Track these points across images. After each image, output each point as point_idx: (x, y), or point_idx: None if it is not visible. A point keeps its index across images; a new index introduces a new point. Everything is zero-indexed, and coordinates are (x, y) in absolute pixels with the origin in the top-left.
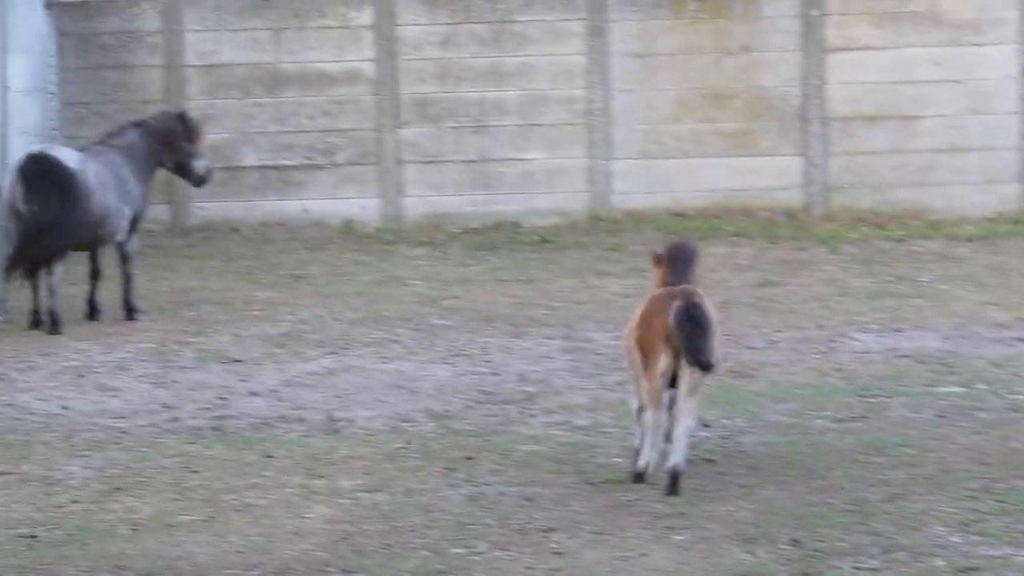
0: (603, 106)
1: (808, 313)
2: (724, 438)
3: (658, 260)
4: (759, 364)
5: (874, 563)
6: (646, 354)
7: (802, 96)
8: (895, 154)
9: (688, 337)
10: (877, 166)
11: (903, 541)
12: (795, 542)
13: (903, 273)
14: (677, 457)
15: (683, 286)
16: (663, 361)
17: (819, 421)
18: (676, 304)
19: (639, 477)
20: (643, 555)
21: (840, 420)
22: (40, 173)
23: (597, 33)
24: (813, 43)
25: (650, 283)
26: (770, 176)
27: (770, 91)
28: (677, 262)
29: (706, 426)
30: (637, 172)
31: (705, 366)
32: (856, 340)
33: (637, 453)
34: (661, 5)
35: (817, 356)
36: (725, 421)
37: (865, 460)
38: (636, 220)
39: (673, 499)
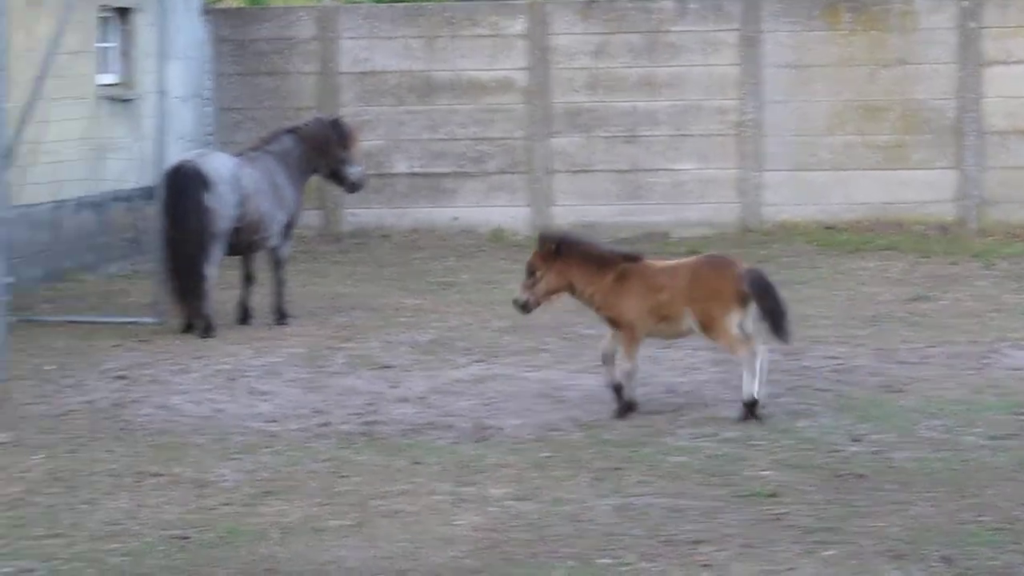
0: (755, 117)
1: (961, 328)
2: (875, 453)
3: (556, 251)
4: (911, 379)
5: None
6: (707, 313)
7: (957, 109)
8: None
9: (770, 299)
10: None
11: None
12: (946, 559)
13: None
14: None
15: (707, 255)
16: (735, 316)
17: (971, 438)
18: (750, 272)
19: (748, 405)
20: (791, 569)
21: (993, 437)
22: (180, 184)
23: (750, 44)
24: (970, 56)
25: (554, 276)
26: (923, 190)
27: (925, 104)
28: (578, 245)
29: (856, 441)
30: (789, 184)
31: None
32: (1010, 356)
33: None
34: (816, 16)
35: (970, 372)
36: (876, 436)
37: (1018, 478)
38: (787, 232)
39: (823, 513)
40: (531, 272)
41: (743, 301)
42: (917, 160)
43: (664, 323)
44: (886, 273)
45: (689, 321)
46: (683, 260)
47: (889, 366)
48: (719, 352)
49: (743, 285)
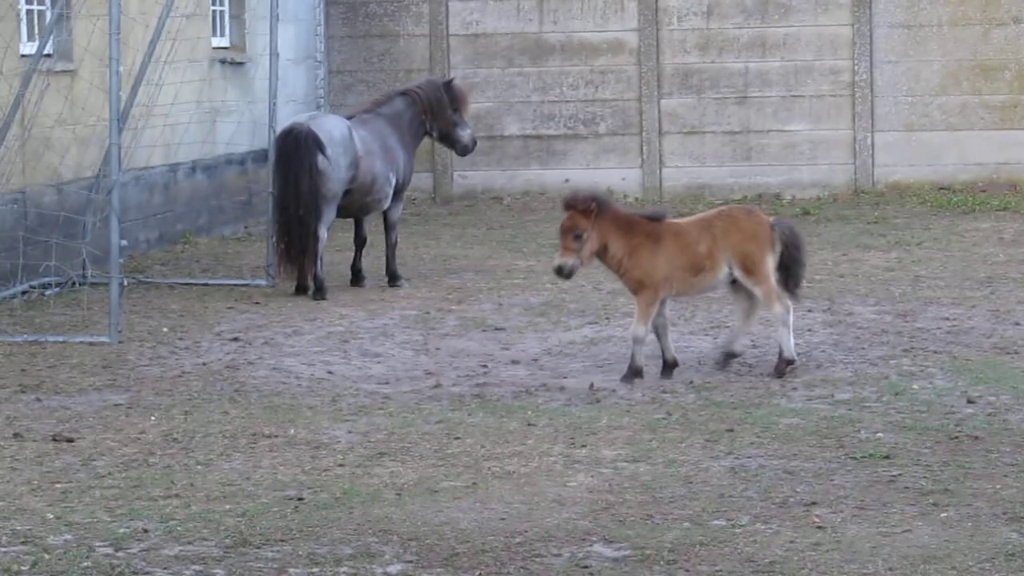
0: (867, 77)
1: None
2: (990, 415)
3: (596, 209)
4: None
5: None
6: (748, 256)
7: None
8: None
9: (797, 250)
10: None
11: None
12: None
13: None
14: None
15: (730, 205)
16: (771, 260)
17: None
18: (779, 221)
19: (790, 363)
20: (907, 531)
21: None
22: (293, 146)
23: (862, 3)
24: None
25: (596, 237)
26: None
27: None
28: (610, 206)
29: (971, 403)
30: (901, 145)
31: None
32: None
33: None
34: None
35: None
36: (991, 398)
37: None
38: (900, 193)
39: (938, 476)
40: (576, 235)
41: (774, 247)
42: None
43: (702, 276)
44: (1000, 234)
45: (726, 270)
46: (706, 213)
47: (1004, 327)
48: (832, 314)
49: (775, 231)
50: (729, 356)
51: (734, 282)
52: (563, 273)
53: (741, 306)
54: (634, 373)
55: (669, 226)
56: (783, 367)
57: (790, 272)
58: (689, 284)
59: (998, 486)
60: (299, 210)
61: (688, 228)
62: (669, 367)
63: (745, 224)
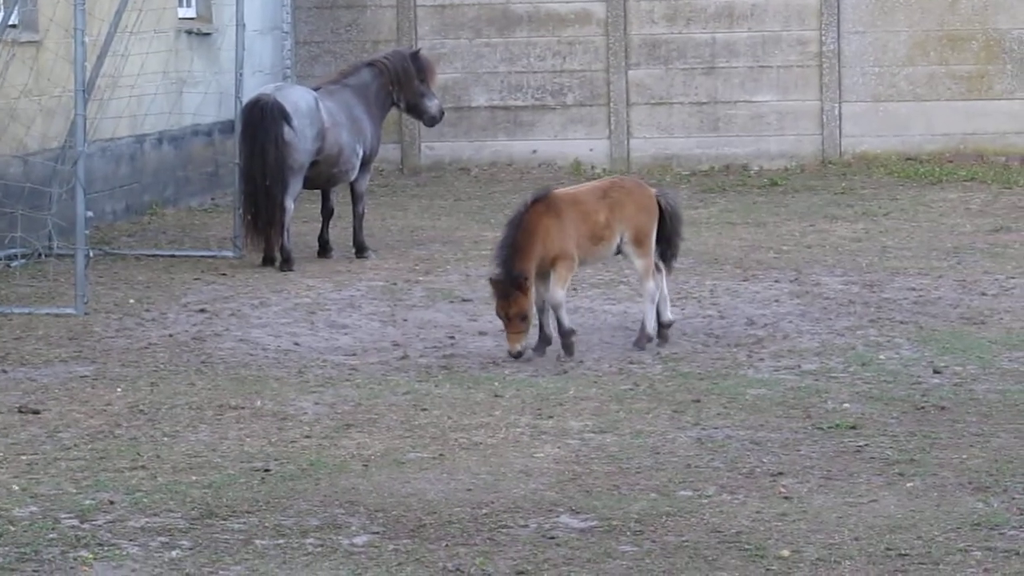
0: (835, 48)
1: None
2: (956, 385)
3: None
4: (992, 311)
5: None
6: (640, 228)
7: None
8: None
9: (678, 221)
10: None
11: None
12: None
13: None
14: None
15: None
16: (654, 237)
17: None
18: (663, 192)
19: (650, 339)
20: (873, 501)
21: None
22: (259, 117)
23: None
24: None
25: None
26: (1005, 120)
27: (1007, 33)
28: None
29: (938, 373)
30: (869, 115)
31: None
32: None
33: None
34: None
35: None
36: (957, 368)
37: None
38: (867, 164)
39: (904, 446)
40: (523, 316)
41: (657, 219)
42: (999, 90)
43: (601, 245)
44: (967, 204)
45: (619, 240)
46: (597, 182)
47: (970, 298)
48: (799, 284)
49: (660, 203)
50: (662, 326)
51: (617, 253)
52: (522, 357)
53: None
54: (569, 334)
55: (565, 197)
56: (643, 342)
57: (670, 243)
58: (589, 252)
59: (964, 456)
60: (265, 181)
61: (585, 198)
62: (546, 343)
63: (638, 195)
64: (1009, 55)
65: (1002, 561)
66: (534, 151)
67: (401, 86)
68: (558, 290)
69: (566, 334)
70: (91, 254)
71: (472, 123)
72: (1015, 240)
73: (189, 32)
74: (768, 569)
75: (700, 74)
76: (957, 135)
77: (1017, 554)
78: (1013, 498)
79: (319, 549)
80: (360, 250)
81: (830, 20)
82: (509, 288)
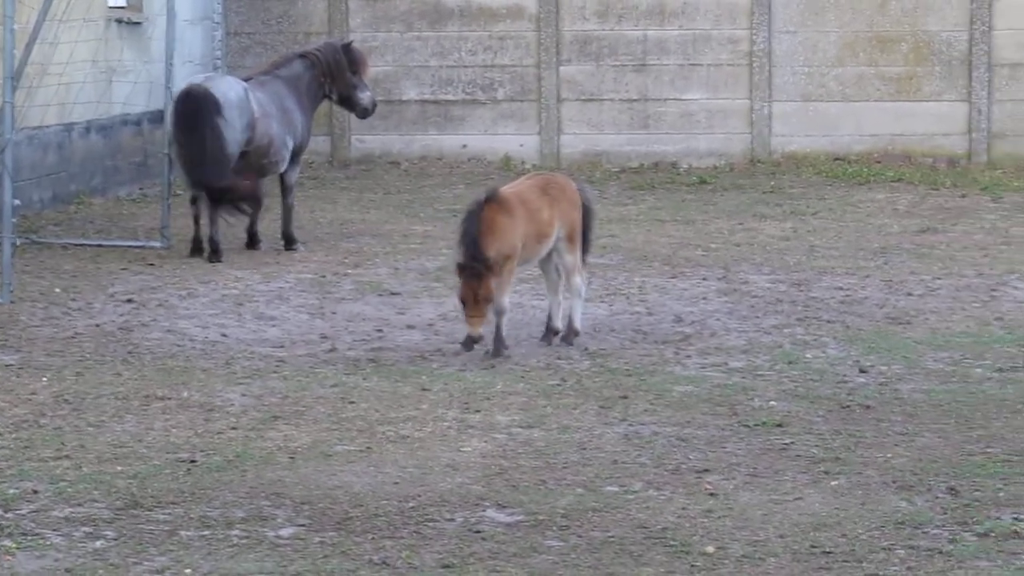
0: (766, 47)
1: (968, 261)
2: (882, 385)
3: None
4: (918, 311)
5: None
6: (574, 225)
7: (968, 41)
8: None
9: (593, 219)
10: None
11: None
12: (952, 491)
13: None
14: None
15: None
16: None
17: (978, 370)
18: (581, 187)
19: (577, 334)
20: (798, 499)
21: (1000, 369)
22: (192, 107)
23: None
24: None
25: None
26: (933, 122)
27: (936, 35)
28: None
29: (863, 372)
30: (798, 115)
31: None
32: (1017, 289)
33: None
34: None
35: (977, 304)
36: (883, 368)
37: None
38: (796, 163)
39: (829, 444)
40: (487, 299)
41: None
42: (927, 92)
43: (543, 242)
44: (895, 205)
45: (555, 238)
46: (532, 178)
47: (897, 298)
48: (727, 282)
49: (582, 198)
50: (552, 333)
51: None
52: (479, 342)
53: (550, 278)
54: (503, 344)
55: (513, 196)
56: (572, 337)
57: (585, 239)
58: (534, 252)
59: (888, 455)
60: (203, 168)
61: (529, 195)
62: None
63: (569, 192)
64: (938, 57)
65: (925, 560)
66: (464, 145)
67: (333, 78)
68: (503, 298)
69: (502, 340)
70: (17, 242)
71: (403, 117)
72: (941, 241)
73: (119, 21)
74: (693, 565)
75: (631, 71)
76: (885, 136)
77: (940, 552)
78: (936, 497)
79: (244, 541)
80: (289, 242)
81: (761, 19)
82: (477, 270)
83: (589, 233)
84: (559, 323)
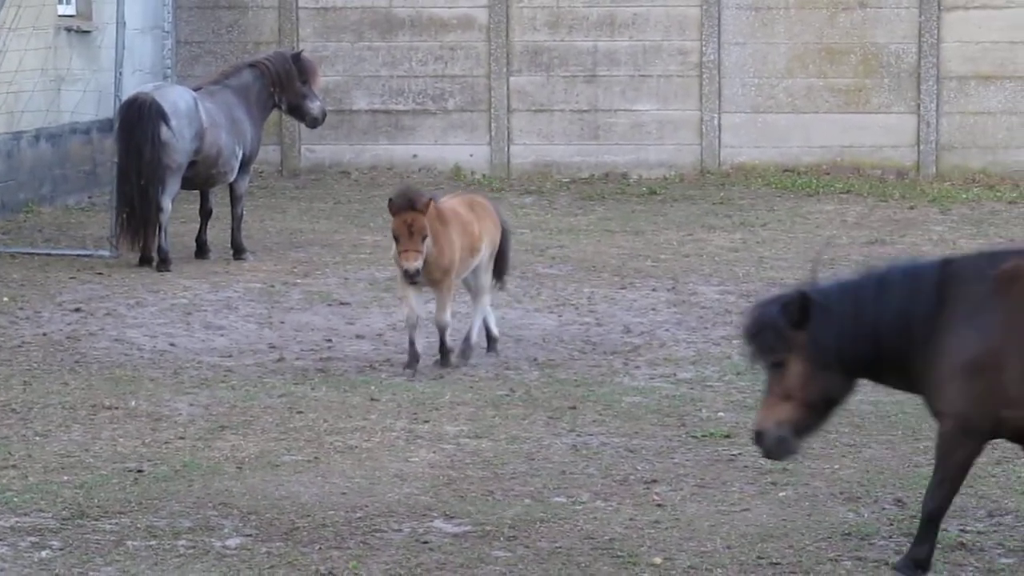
0: (715, 59)
1: None
2: None
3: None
4: None
5: (980, 526)
6: (494, 244)
7: (917, 54)
8: (1010, 115)
9: (510, 238)
10: (990, 126)
11: (1009, 505)
12: (899, 502)
13: (1014, 235)
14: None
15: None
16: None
17: None
18: (498, 208)
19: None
20: (745, 510)
21: None
22: (136, 116)
23: None
24: (930, 0)
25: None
26: (882, 134)
27: (884, 48)
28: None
29: None
30: (748, 126)
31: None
32: None
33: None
34: None
35: None
36: None
37: None
38: (745, 174)
39: None
40: (424, 236)
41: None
42: (876, 104)
43: (474, 257)
44: (843, 216)
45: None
46: (457, 196)
47: None
48: (676, 293)
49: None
50: (492, 340)
51: None
52: (417, 277)
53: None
54: (449, 354)
55: (450, 206)
56: (470, 352)
57: (504, 258)
58: (465, 267)
59: (836, 466)
60: (141, 180)
61: (461, 209)
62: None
63: (491, 210)
64: (887, 69)
65: (871, 571)
66: (415, 155)
67: (283, 87)
68: (445, 314)
69: (447, 351)
70: None
71: (353, 126)
72: (890, 253)
73: (68, 29)
74: None
75: (581, 82)
76: (835, 148)
77: (887, 564)
78: (883, 508)
79: (191, 551)
80: (238, 251)
81: (711, 31)
82: (409, 202)
83: (508, 253)
84: (496, 329)
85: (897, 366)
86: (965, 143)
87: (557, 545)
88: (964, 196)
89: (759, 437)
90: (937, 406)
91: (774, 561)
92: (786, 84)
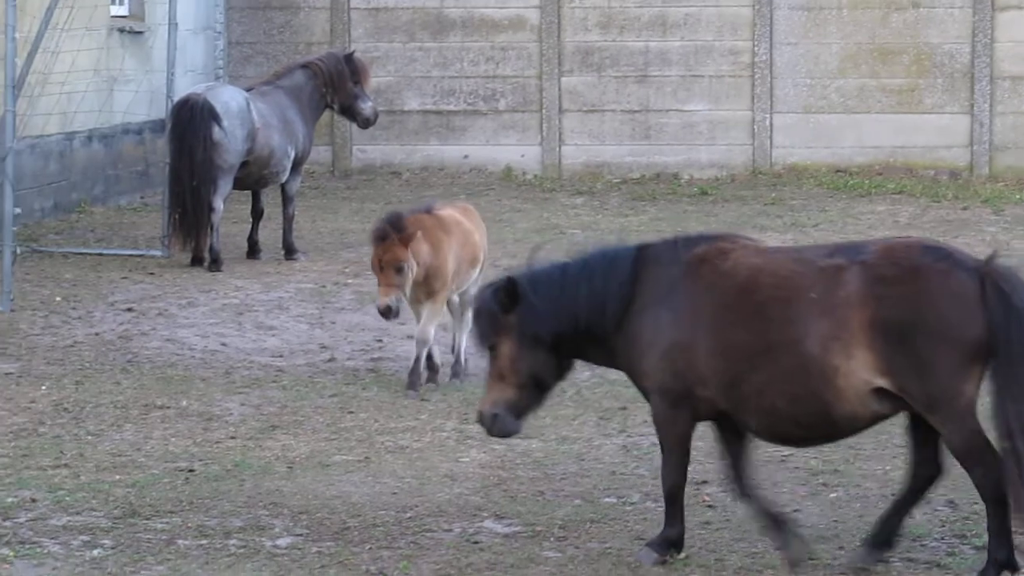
0: (767, 59)
1: None
2: None
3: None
4: None
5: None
6: (485, 257)
7: (970, 53)
8: None
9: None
10: None
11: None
12: (951, 503)
13: None
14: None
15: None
16: None
17: None
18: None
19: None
20: (796, 510)
21: None
22: (188, 117)
23: None
24: (983, 0)
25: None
26: (935, 134)
27: (938, 48)
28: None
29: None
30: (800, 127)
31: None
32: None
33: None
34: None
35: None
36: None
37: None
38: (797, 175)
39: (828, 456)
40: (397, 268)
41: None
42: (929, 104)
43: (474, 270)
44: (896, 217)
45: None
46: (452, 206)
47: None
48: None
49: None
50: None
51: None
52: (391, 314)
53: (453, 308)
54: (418, 374)
55: (450, 217)
56: (462, 372)
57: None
58: (466, 278)
59: (887, 467)
60: (192, 181)
61: (462, 218)
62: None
63: (480, 223)
64: (940, 69)
65: (923, 572)
66: (466, 156)
67: (335, 88)
68: (430, 328)
69: (417, 373)
70: (18, 251)
71: (404, 127)
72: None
73: (121, 30)
74: None
75: (633, 82)
76: (887, 148)
77: (938, 566)
78: (935, 510)
79: (242, 550)
80: (289, 252)
81: (763, 31)
82: (389, 232)
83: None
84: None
85: (599, 345)
86: (1019, 143)
87: (607, 546)
88: (1018, 197)
89: (480, 418)
90: (641, 384)
91: (825, 562)
92: (838, 84)
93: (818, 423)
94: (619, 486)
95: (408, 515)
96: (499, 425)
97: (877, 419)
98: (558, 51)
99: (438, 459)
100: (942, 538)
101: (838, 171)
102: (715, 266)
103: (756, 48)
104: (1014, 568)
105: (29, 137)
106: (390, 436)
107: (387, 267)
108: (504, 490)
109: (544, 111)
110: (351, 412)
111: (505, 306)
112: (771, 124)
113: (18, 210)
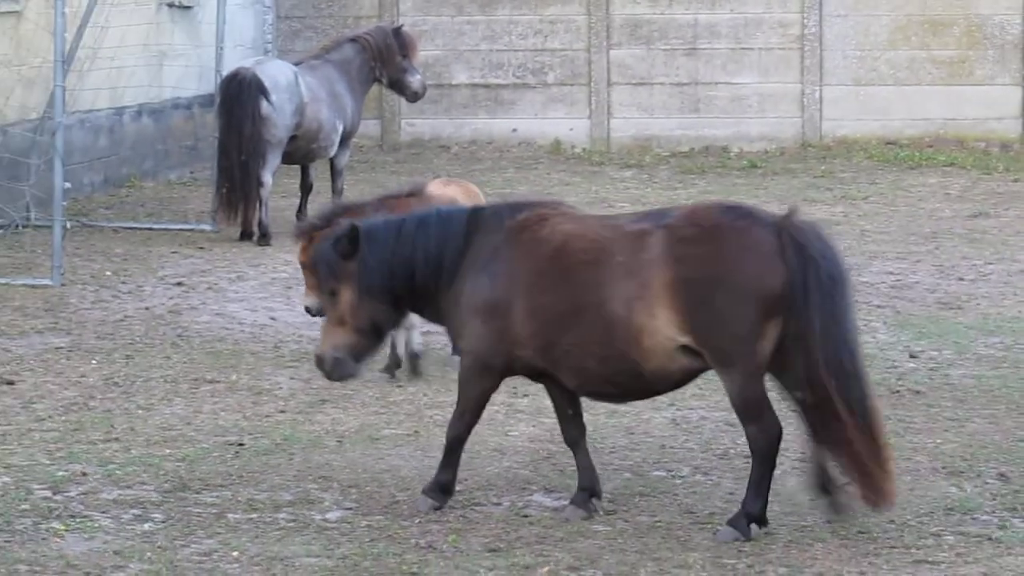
0: (817, 31)
1: (1021, 246)
2: (932, 370)
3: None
4: (969, 296)
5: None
6: None
7: (1021, 24)
8: None
9: None
10: None
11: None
12: (1003, 476)
13: None
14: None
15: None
16: None
17: None
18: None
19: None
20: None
21: None
22: (236, 91)
23: None
24: None
25: None
26: (986, 106)
27: (989, 19)
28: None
29: (914, 357)
30: (849, 99)
31: None
32: None
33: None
34: None
35: None
36: (933, 353)
37: None
38: (847, 147)
39: None
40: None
41: None
42: (980, 76)
43: None
44: (947, 190)
45: None
46: (450, 185)
47: (947, 283)
48: None
49: None
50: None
51: None
52: (312, 314)
53: None
54: (397, 362)
55: (446, 196)
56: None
57: None
58: None
59: (938, 440)
60: (241, 155)
61: (461, 198)
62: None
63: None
64: (991, 41)
65: (974, 546)
66: (514, 129)
67: (384, 62)
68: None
69: (396, 360)
70: (68, 225)
71: (452, 100)
72: (993, 226)
73: (170, 5)
74: (740, 550)
75: (681, 55)
76: (938, 120)
77: (989, 539)
78: (986, 483)
79: (292, 524)
80: None
81: (812, 3)
82: (303, 231)
83: None
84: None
85: (429, 301)
86: None
87: (656, 519)
88: None
89: (319, 361)
90: (457, 343)
91: (875, 536)
92: (888, 56)
93: (630, 381)
94: (668, 459)
95: (457, 488)
96: (340, 369)
97: (692, 374)
98: (607, 24)
99: (487, 433)
100: (993, 511)
101: (888, 143)
102: (533, 232)
103: (805, 20)
104: (762, 523)
105: (79, 112)
106: (439, 410)
107: (304, 268)
108: (553, 464)
109: (593, 84)
110: (400, 386)
111: (345, 253)
112: (821, 96)
113: (68, 185)
